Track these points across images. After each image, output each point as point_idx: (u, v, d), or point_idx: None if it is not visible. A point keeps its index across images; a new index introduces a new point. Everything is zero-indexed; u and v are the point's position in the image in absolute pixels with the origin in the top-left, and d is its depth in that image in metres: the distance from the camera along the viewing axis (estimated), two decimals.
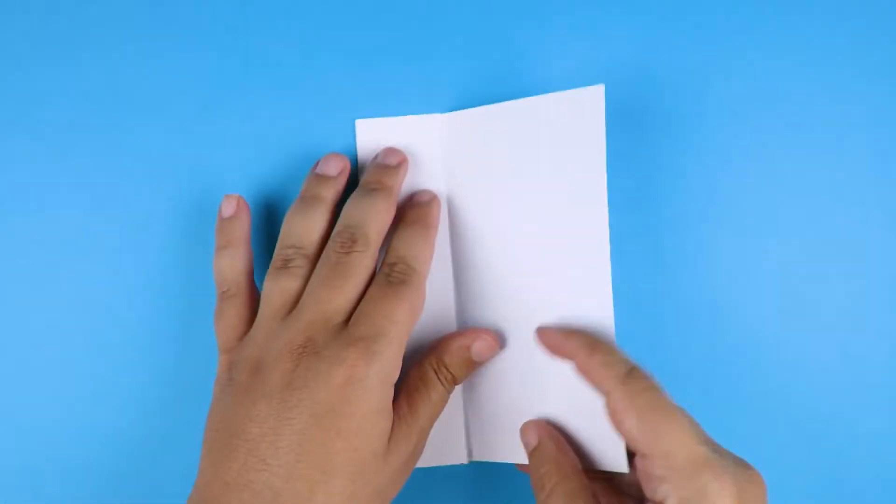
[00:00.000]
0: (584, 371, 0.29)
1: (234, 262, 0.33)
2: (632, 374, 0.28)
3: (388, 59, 0.36)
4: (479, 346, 0.33)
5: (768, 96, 0.35)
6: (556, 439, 0.31)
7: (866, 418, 0.35)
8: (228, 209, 0.34)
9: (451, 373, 0.32)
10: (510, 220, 0.33)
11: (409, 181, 0.35)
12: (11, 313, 0.36)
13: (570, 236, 0.32)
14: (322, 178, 0.33)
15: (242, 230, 0.34)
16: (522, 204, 0.33)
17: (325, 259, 0.31)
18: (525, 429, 0.32)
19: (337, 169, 0.34)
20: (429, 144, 0.35)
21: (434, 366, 0.32)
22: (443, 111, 0.35)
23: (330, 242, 0.31)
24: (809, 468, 0.35)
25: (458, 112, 0.34)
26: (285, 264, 0.31)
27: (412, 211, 0.33)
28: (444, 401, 0.32)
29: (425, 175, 0.35)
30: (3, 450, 0.35)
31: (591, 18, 0.36)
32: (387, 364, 0.28)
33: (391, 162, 0.34)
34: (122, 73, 0.36)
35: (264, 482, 0.27)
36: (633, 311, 0.35)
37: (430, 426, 0.31)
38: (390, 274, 0.30)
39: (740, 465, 0.26)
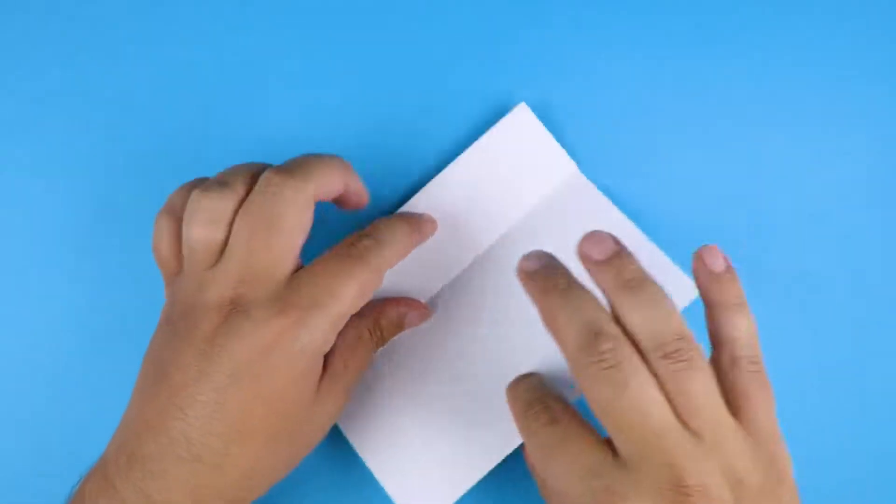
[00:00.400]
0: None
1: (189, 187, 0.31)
2: (526, 412, 0.28)
3: (388, 60, 0.36)
4: (413, 316, 0.33)
5: (768, 96, 0.36)
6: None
7: (866, 418, 0.35)
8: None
9: (382, 336, 0.32)
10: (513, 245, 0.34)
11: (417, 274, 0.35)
12: (11, 313, 0.36)
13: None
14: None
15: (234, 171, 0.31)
16: (525, 230, 0.34)
17: (257, 190, 0.28)
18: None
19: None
20: None
21: (370, 327, 0.31)
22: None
23: (263, 176, 0.28)
24: (809, 468, 0.34)
25: (422, 190, 0.35)
26: (206, 189, 0.28)
27: (406, 215, 0.32)
28: (368, 360, 0.31)
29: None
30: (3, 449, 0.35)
31: (592, 18, 0.36)
32: (317, 337, 0.27)
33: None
34: (122, 74, 0.36)
35: (180, 430, 0.26)
36: None
37: (357, 384, 0.31)
38: (354, 244, 0.29)
39: (658, 494, 0.24)
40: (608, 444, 0.25)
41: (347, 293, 0.28)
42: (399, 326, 0.33)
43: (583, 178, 0.35)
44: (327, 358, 0.29)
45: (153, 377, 0.28)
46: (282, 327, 0.27)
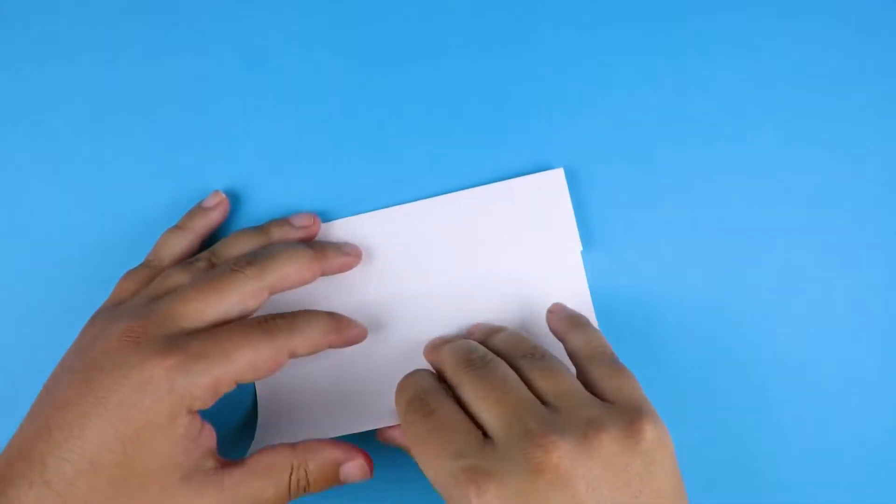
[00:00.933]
0: None
1: (176, 244, 0.33)
2: (406, 410, 0.29)
3: (387, 60, 0.36)
4: (350, 468, 0.30)
5: (769, 96, 0.36)
6: None
7: (866, 418, 0.35)
8: (209, 202, 0.35)
9: (308, 481, 0.29)
10: (482, 291, 0.35)
11: (380, 271, 0.35)
12: (11, 314, 0.36)
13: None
14: (282, 223, 0.34)
15: (205, 226, 0.34)
16: (497, 278, 0.35)
17: (218, 267, 0.31)
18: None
19: (301, 223, 0.34)
20: (399, 234, 0.35)
21: (294, 465, 0.29)
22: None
23: (235, 256, 0.31)
24: (808, 468, 0.35)
25: (430, 199, 0.35)
26: (192, 262, 0.32)
27: (339, 316, 0.32)
28: (278, 500, 0.29)
29: (393, 266, 0.35)
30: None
31: (592, 18, 0.36)
32: (190, 388, 0.27)
33: (346, 249, 0.34)
34: (122, 75, 0.37)
35: (41, 453, 0.26)
36: (632, 310, 0.35)
37: None
38: (267, 320, 0.29)
39: (521, 458, 0.25)
40: (481, 429, 0.27)
41: (238, 357, 0.28)
42: (332, 479, 0.30)
43: (580, 264, 0.35)
44: (228, 464, 0.29)
45: (43, 399, 0.28)
46: (161, 367, 0.27)
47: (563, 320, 0.33)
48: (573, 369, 0.30)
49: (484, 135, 0.36)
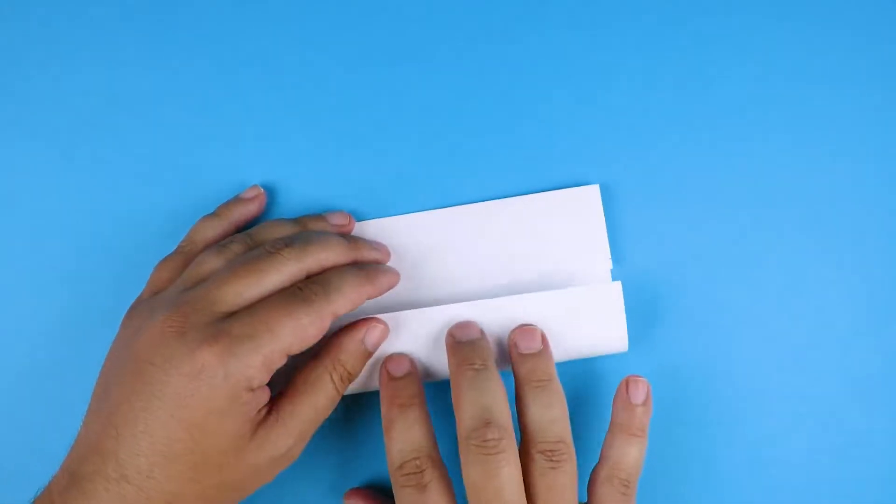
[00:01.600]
0: None
1: (210, 229, 0.34)
2: (400, 468, 0.29)
3: (387, 62, 0.37)
4: (372, 335, 0.32)
5: (768, 96, 0.36)
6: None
7: (866, 418, 0.35)
8: (248, 194, 0.35)
9: (347, 370, 0.31)
10: (510, 301, 0.34)
11: (409, 275, 0.35)
12: (11, 314, 0.36)
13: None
14: (317, 217, 0.35)
15: (242, 215, 0.35)
16: (529, 284, 0.35)
17: (250, 252, 0.31)
18: (350, 498, 0.34)
19: (337, 221, 0.35)
20: (431, 239, 0.35)
21: (329, 367, 0.31)
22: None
23: (271, 240, 0.31)
24: (808, 468, 0.35)
25: (464, 206, 0.35)
26: (225, 245, 0.31)
27: (366, 266, 0.33)
28: (334, 402, 0.31)
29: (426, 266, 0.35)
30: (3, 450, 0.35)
31: (594, 19, 0.37)
32: (244, 369, 0.27)
33: (378, 245, 0.34)
34: (122, 75, 0.37)
35: (112, 449, 0.27)
36: (632, 309, 0.35)
37: (314, 428, 0.31)
38: (302, 288, 0.29)
39: None
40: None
41: (282, 330, 0.28)
42: (364, 354, 0.32)
43: (611, 284, 0.34)
44: (276, 400, 0.30)
45: (100, 395, 0.29)
46: (211, 353, 0.27)
47: (629, 415, 0.32)
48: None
49: (514, 145, 0.36)
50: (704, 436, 0.35)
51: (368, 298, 0.31)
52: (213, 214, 0.34)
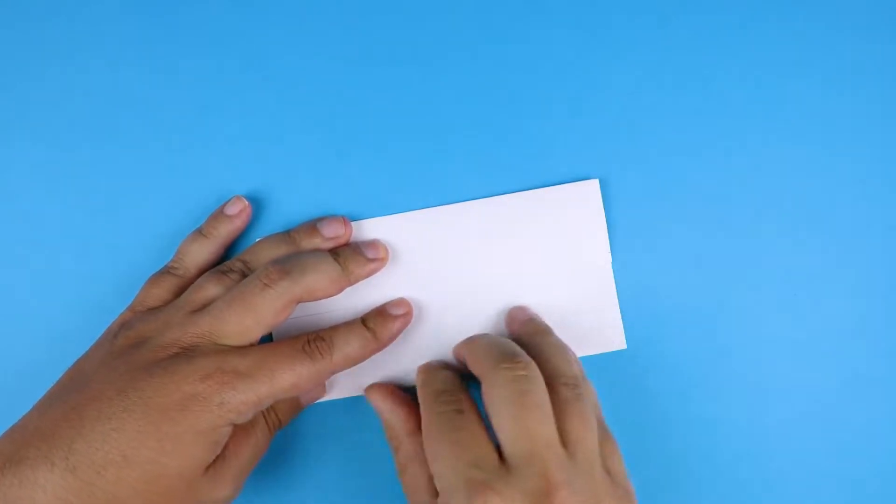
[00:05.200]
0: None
1: (201, 252, 0.34)
2: (437, 398, 0.30)
3: (386, 61, 0.36)
4: (308, 399, 0.34)
5: (768, 96, 0.36)
6: (401, 403, 0.33)
7: (867, 417, 0.35)
8: (232, 209, 0.35)
9: (278, 417, 0.33)
10: (510, 296, 0.35)
11: (407, 273, 0.35)
12: (12, 315, 0.36)
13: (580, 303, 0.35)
14: (311, 231, 0.34)
15: (229, 233, 0.35)
16: (528, 280, 0.35)
17: (245, 281, 0.31)
18: (371, 392, 0.34)
19: (332, 233, 0.34)
20: (430, 236, 0.35)
21: (265, 413, 0.32)
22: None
23: (265, 266, 0.32)
24: (808, 466, 0.35)
25: (462, 203, 0.35)
26: (224, 272, 0.32)
27: (378, 320, 0.33)
28: (267, 444, 0.32)
29: (424, 266, 0.35)
30: None
31: (593, 17, 0.36)
32: (237, 404, 0.29)
33: (369, 254, 0.34)
34: (122, 76, 0.36)
35: (69, 438, 0.27)
36: (632, 309, 0.35)
37: (250, 469, 0.32)
38: (310, 343, 0.31)
39: (530, 496, 0.26)
40: (497, 449, 0.28)
41: (283, 380, 0.30)
42: (296, 407, 0.34)
43: (609, 275, 0.35)
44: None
45: (68, 386, 0.29)
46: (217, 382, 0.28)
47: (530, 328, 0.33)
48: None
49: (513, 142, 0.36)
50: (705, 435, 0.35)
51: (365, 358, 0.32)
52: (201, 234, 0.34)
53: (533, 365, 0.29)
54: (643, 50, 0.36)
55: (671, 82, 0.36)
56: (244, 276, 0.32)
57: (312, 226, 0.34)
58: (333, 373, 0.31)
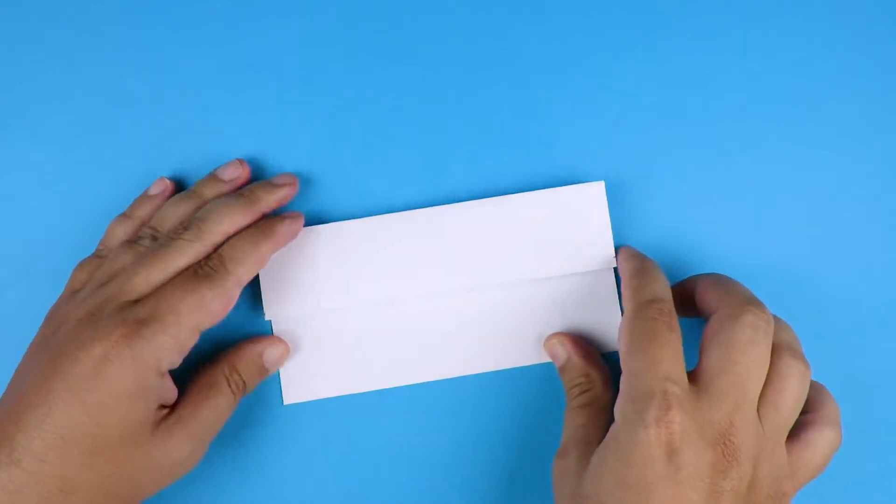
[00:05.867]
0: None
1: (123, 231, 0.33)
2: (651, 303, 0.29)
3: (386, 61, 0.36)
4: (271, 353, 0.33)
5: (768, 95, 0.36)
6: (583, 351, 0.33)
7: (868, 415, 0.35)
8: (154, 189, 0.35)
9: (242, 379, 0.32)
10: (513, 297, 0.35)
11: (411, 270, 0.35)
12: (13, 315, 0.36)
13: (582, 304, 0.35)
14: (211, 180, 0.34)
15: (150, 212, 0.34)
16: (530, 279, 0.35)
17: (158, 241, 0.31)
18: (551, 343, 0.34)
19: (230, 175, 0.34)
20: (433, 234, 0.35)
21: (226, 372, 0.32)
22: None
23: (172, 227, 0.32)
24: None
25: (467, 202, 0.35)
26: (137, 240, 0.32)
27: (262, 221, 0.33)
28: (231, 408, 0.32)
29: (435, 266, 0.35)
30: None
31: (594, 16, 0.36)
32: (153, 350, 0.28)
33: (276, 181, 0.34)
34: (122, 76, 0.36)
35: (9, 434, 0.27)
36: None
37: (213, 433, 0.31)
38: (202, 265, 0.30)
39: (716, 428, 0.27)
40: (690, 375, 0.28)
41: (186, 308, 0.29)
42: (260, 368, 0.33)
43: (612, 278, 0.35)
44: (177, 401, 0.30)
45: (9, 388, 0.29)
46: (119, 335, 0.28)
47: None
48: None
49: (515, 141, 0.36)
50: None
51: (272, 253, 0.32)
52: (124, 215, 0.34)
53: (773, 326, 0.29)
54: (646, 50, 0.36)
55: (673, 82, 0.36)
56: (155, 240, 0.32)
57: (212, 175, 0.34)
58: (240, 283, 0.30)
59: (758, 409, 0.28)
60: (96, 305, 0.29)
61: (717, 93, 0.36)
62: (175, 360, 0.29)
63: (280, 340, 0.34)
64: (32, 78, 0.36)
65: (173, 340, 0.29)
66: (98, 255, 0.33)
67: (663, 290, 0.30)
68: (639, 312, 0.29)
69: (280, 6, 0.37)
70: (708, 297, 0.31)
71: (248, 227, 0.32)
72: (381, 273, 0.34)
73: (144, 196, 0.35)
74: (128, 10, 0.36)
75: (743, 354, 0.28)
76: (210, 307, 0.29)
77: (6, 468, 0.27)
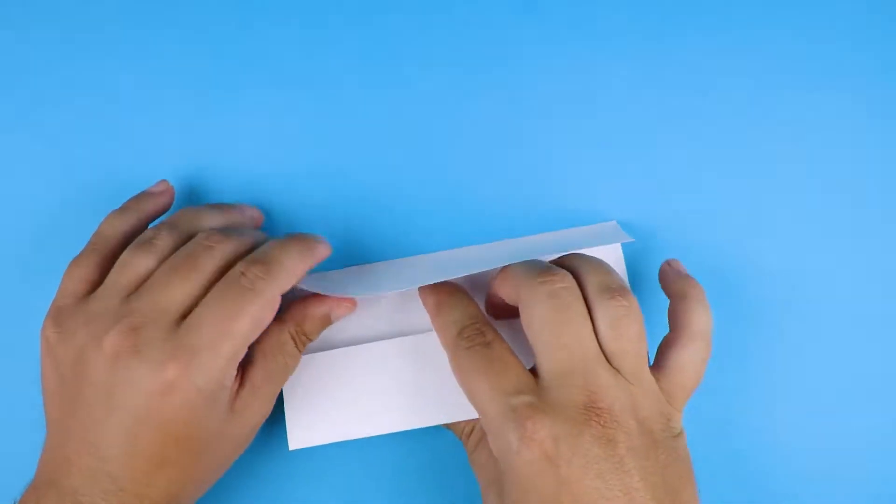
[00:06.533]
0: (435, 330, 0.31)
1: (119, 225, 0.32)
2: (460, 334, 0.29)
3: (385, 61, 0.37)
4: (338, 314, 0.33)
5: (769, 95, 0.36)
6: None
7: (869, 414, 0.35)
8: (156, 188, 0.34)
9: (309, 337, 0.32)
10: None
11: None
12: (13, 316, 0.36)
13: None
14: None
15: (152, 210, 0.33)
16: None
17: (186, 247, 0.30)
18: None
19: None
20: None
21: (293, 332, 0.31)
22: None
23: (208, 230, 0.31)
24: (809, 464, 0.35)
25: (487, 244, 0.34)
26: (150, 239, 0.30)
27: (301, 235, 0.31)
28: (297, 359, 0.31)
29: None
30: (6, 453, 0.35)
31: (593, 18, 0.36)
32: (213, 376, 0.27)
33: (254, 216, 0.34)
34: (122, 76, 0.36)
35: (101, 469, 0.27)
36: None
37: (285, 381, 0.31)
38: (243, 274, 0.28)
39: (574, 409, 0.26)
40: (532, 371, 0.28)
41: (240, 330, 0.28)
42: (326, 326, 0.33)
43: None
44: (245, 370, 0.30)
45: (60, 413, 0.28)
46: (177, 371, 0.27)
47: (686, 283, 0.31)
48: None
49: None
50: (707, 434, 0.35)
51: (309, 269, 0.31)
52: (122, 209, 0.33)
53: (570, 277, 0.28)
54: (643, 48, 0.36)
55: (672, 80, 0.36)
56: (175, 242, 0.30)
57: (233, 204, 0.35)
58: (282, 293, 0.29)
59: (608, 361, 0.27)
60: (132, 329, 0.27)
61: (719, 102, 0.36)
62: (234, 373, 0.28)
63: (348, 299, 0.33)
64: (32, 78, 0.36)
65: (228, 361, 0.28)
66: (93, 250, 0.31)
67: (464, 313, 0.30)
68: (454, 348, 0.29)
69: (280, 6, 0.37)
70: (505, 294, 0.30)
71: (294, 241, 0.31)
72: (383, 319, 0.34)
73: (145, 193, 0.34)
74: (128, 11, 0.37)
75: (560, 325, 0.27)
76: (260, 322, 0.28)
77: (114, 495, 0.27)
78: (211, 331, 0.27)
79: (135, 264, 0.29)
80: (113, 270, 0.29)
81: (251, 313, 0.28)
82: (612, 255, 0.34)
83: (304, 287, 0.31)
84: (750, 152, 0.36)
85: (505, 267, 0.30)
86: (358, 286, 0.33)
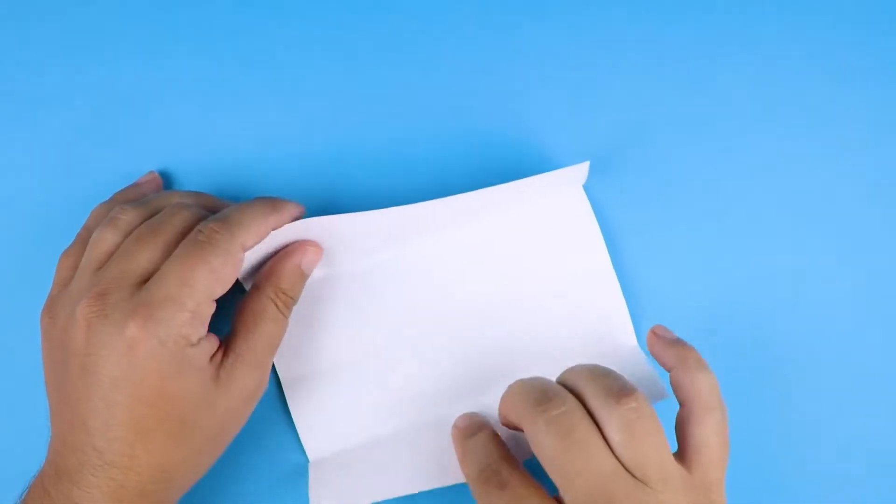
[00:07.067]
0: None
1: (105, 216, 0.32)
2: (480, 474, 0.28)
3: (385, 62, 0.37)
4: (308, 259, 0.32)
5: (768, 95, 0.36)
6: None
7: (870, 414, 0.35)
8: (143, 179, 0.35)
9: (288, 296, 0.31)
10: (514, 296, 0.34)
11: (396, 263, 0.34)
12: (13, 316, 0.36)
13: (584, 306, 0.33)
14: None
15: (136, 198, 0.34)
16: (526, 281, 0.34)
17: (151, 219, 0.30)
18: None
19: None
20: (410, 231, 0.34)
21: (272, 295, 0.31)
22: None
23: (172, 203, 0.31)
24: (809, 465, 0.35)
25: (447, 198, 0.33)
26: (116, 215, 0.31)
27: (270, 197, 0.32)
28: (284, 328, 0.31)
29: (414, 258, 0.34)
30: (6, 451, 0.35)
31: (593, 17, 0.36)
32: (176, 329, 0.27)
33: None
34: (122, 76, 0.36)
35: (89, 443, 0.27)
36: (635, 310, 0.35)
37: (272, 357, 0.31)
38: (202, 230, 0.29)
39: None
40: (557, 501, 0.26)
41: (198, 280, 0.28)
42: (301, 278, 0.32)
43: (614, 279, 0.34)
44: (228, 340, 0.30)
45: (56, 395, 0.29)
46: (136, 326, 0.27)
47: (676, 350, 0.30)
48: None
49: (508, 140, 0.36)
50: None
51: (274, 228, 0.31)
52: (108, 201, 0.34)
53: (569, 397, 0.27)
54: (644, 49, 0.36)
55: (671, 80, 0.36)
56: (141, 217, 0.31)
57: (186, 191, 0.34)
58: (244, 248, 0.29)
59: (631, 474, 0.26)
60: (99, 296, 0.28)
61: (715, 90, 0.36)
62: (201, 331, 0.28)
63: (311, 243, 0.32)
64: (32, 78, 0.36)
65: (192, 315, 0.28)
66: (80, 241, 0.32)
67: (484, 451, 0.29)
68: (473, 486, 0.28)
69: (280, 6, 0.37)
70: (510, 422, 0.29)
71: (257, 199, 0.31)
72: (381, 289, 0.34)
73: (131, 184, 0.35)
74: (128, 10, 0.37)
75: (567, 452, 0.26)
76: (221, 275, 0.28)
77: (103, 469, 0.27)
78: (169, 284, 0.28)
79: (102, 240, 0.30)
80: (85, 252, 0.30)
81: (208, 262, 0.28)
82: (576, 201, 0.34)
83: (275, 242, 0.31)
84: (752, 156, 0.36)
85: (504, 393, 0.30)
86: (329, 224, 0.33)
